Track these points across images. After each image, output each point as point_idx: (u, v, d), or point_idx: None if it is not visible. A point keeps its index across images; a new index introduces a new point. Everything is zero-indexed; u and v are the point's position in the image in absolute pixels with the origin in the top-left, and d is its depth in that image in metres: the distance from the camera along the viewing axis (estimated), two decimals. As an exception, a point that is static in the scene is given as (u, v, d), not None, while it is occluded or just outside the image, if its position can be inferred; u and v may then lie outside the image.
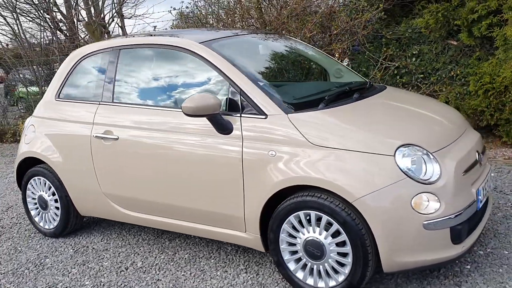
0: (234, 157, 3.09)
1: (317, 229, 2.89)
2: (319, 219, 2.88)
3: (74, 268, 3.70)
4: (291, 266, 3.03)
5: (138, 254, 3.83)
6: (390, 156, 2.74)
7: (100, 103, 3.82)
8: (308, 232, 2.92)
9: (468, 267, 3.21)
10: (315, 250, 2.91)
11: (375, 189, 2.69)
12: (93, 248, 4.02)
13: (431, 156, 2.80)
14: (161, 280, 3.38)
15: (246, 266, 3.46)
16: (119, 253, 3.87)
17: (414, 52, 6.41)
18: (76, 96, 4.07)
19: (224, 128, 3.11)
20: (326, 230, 2.87)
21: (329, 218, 2.81)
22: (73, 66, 4.12)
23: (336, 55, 6.63)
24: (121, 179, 3.68)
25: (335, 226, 2.81)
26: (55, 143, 4.06)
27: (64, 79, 4.15)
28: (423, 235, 2.69)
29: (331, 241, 2.85)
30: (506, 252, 3.35)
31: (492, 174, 3.27)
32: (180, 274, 3.43)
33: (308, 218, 2.91)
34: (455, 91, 6.10)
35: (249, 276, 3.31)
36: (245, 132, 3.08)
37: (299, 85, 3.62)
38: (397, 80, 6.51)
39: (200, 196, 3.30)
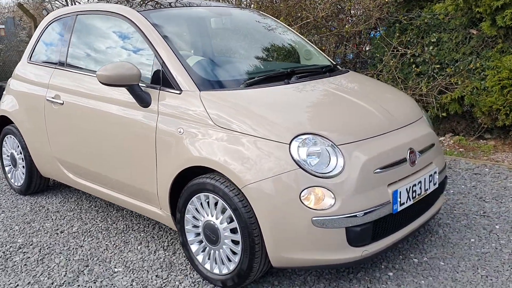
0: (149, 132, 3.01)
1: (215, 213, 2.76)
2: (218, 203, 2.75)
3: (18, 225, 3.82)
4: (194, 248, 2.93)
5: (81, 219, 3.88)
6: (285, 145, 2.54)
7: (56, 67, 3.86)
8: (207, 215, 2.80)
9: (391, 274, 2.95)
10: (211, 235, 2.79)
11: (264, 177, 2.51)
12: (48, 209, 4.12)
13: (336, 149, 2.56)
14: (83, 247, 3.40)
15: (169, 243, 3.40)
16: (65, 217, 3.94)
17: (433, 40, 5.92)
18: (41, 59, 4.14)
19: (142, 101, 3.03)
20: (223, 214, 2.73)
21: (224, 203, 2.67)
22: (42, 30, 4.19)
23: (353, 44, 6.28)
24: (65, 144, 3.73)
25: (228, 211, 2.67)
26: (20, 104, 4.17)
27: (35, 42, 4.23)
28: (313, 232, 2.48)
29: (225, 227, 2.72)
30: (442, 264, 3.03)
31: (437, 176, 2.95)
32: (103, 243, 3.44)
33: (208, 200, 2.78)
34: (472, 85, 5.59)
35: (165, 254, 3.25)
36: (161, 106, 2.98)
37: (237, 64, 3.44)
38: (412, 69, 6.06)
39: (122, 168, 3.26)
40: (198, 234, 2.90)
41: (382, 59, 6.18)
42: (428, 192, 2.94)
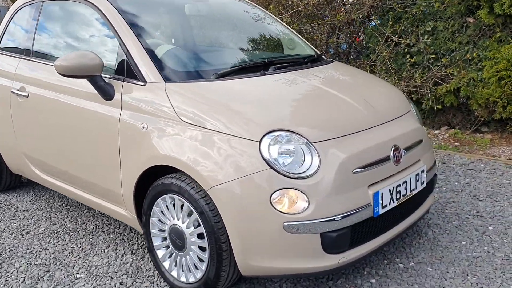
0: (112, 127, 2.78)
1: (181, 217, 2.53)
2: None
3: (-17, 225, 3.60)
4: (160, 253, 2.71)
5: (50, 218, 3.66)
6: (255, 142, 2.31)
7: (22, 57, 3.62)
8: (173, 219, 2.57)
9: (373, 281, 2.72)
10: (177, 240, 2.57)
11: (231, 178, 2.28)
12: (17, 208, 3.90)
13: (311, 147, 2.33)
14: (47, 249, 3.19)
15: (139, 246, 3.18)
16: (34, 216, 3.72)
17: (428, 29, 5.66)
18: (8, 47, 3.90)
19: (105, 93, 2.80)
20: (190, 218, 2.50)
21: (190, 206, 2.44)
22: (11, 16, 3.93)
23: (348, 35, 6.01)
24: (31, 140, 3.50)
25: (195, 215, 2.44)
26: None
27: (3, 29, 3.98)
28: (285, 238, 2.25)
29: (192, 232, 2.49)
30: (429, 269, 2.81)
31: (425, 175, 2.72)
32: (69, 246, 3.22)
33: (173, 203, 2.56)
34: (468, 76, 5.33)
35: (133, 258, 3.03)
36: (124, 99, 2.75)
37: (211, 53, 3.19)
38: (406, 59, 5.81)
39: (87, 165, 3.03)
40: (165, 239, 2.68)
41: (376, 49, 5.92)
42: (414, 192, 2.71)
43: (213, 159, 2.33)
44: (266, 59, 3.06)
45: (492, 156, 4.82)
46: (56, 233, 3.42)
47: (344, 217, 2.30)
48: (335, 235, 2.29)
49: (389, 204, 2.52)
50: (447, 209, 3.58)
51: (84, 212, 3.74)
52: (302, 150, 2.32)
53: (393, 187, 2.54)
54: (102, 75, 2.79)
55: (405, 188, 2.63)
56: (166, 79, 2.64)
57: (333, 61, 3.46)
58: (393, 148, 2.58)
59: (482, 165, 4.52)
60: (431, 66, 5.66)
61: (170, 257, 2.67)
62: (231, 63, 2.97)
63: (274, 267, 2.32)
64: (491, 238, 3.14)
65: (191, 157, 2.38)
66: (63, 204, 3.92)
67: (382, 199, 2.46)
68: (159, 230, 2.68)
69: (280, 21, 3.85)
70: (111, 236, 3.33)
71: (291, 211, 2.24)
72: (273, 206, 2.23)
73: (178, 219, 2.54)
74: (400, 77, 5.82)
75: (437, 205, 3.66)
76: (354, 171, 2.37)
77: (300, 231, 2.24)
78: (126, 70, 2.77)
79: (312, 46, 3.74)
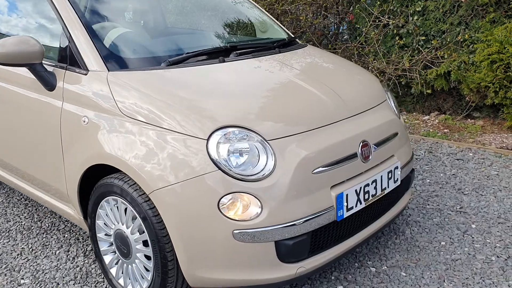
0: (54, 120, 2.52)
1: (125, 221, 2.29)
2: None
3: None
4: (107, 259, 2.48)
5: (5, 215, 3.42)
6: (203, 141, 2.05)
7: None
8: (118, 223, 2.34)
9: (341, 287, 2.49)
10: (122, 246, 2.34)
11: (175, 181, 2.03)
12: (-27, 203, 3.67)
13: (266, 145, 2.07)
14: (-5, 251, 2.96)
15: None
16: (-12, 212, 3.49)
17: (418, 9, 5.35)
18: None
19: (46, 83, 2.53)
20: (134, 223, 2.26)
21: (133, 210, 2.20)
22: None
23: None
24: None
25: (139, 220, 2.20)
26: None
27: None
28: (235, 247, 2.02)
29: (137, 238, 2.26)
30: (403, 274, 2.58)
31: (399, 172, 2.47)
32: (19, 247, 2.99)
33: (117, 205, 2.32)
34: (459, 59, 5.05)
35: (84, 261, 2.80)
36: (66, 90, 2.49)
37: (167, 38, 2.91)
38: (395, 41, 5.51)
39: (33, 160, 2.79)
40: (112, 244, 2.44)
41: (363, 31, 5.62)
42: (386, 191, 2.47)
43: (156, 159, 2.08)
44: (228, 44, 2.77)
45: (482, 145, 4.57)
46: (8, 231, 3.19)
47: (302, 223, 2.07)
48: (292, 243, 2.06)
49: (356, 206, 2.28)
50: (428, 204, 3.34)
51: (42, 208, 3.51)
52: (257, 149, 2.07)
53: (361, 187, 2.29)
54: (44, 62, 2.52)
55: (375, 188, 2.38)
56: (110, 68, 2.38)
57: (307, 45, 3.19)
58: (361, 144, 2.33)
59: (470, 154, 4.27)
60: (421, 49, 5.36)
61: (117, 263, 2.44)
62: (188, 48, 2.69)
63: (225, 279, 2.09)
64: (473, 238, 2.90)
65: (131, 156, 2.13)
66: (22, 199, 3.68)
67: (347, 201, 2.22)
68: (105, 234, 2.45)
69: (254, 3, 3.55)
70: (66, 236, 3.10)
71: (241, 217, 2.00)
72: (221, 212, 1.99)
73: (123, 224, 2.30)
74: (389, 60, 5.53)
75: (418, 199, 3.42)
76: (314, 171, 2.12)
77: (252, 239, 2.00)
78: (69, 57, 2.51)
79: (285, 29, 3.45)
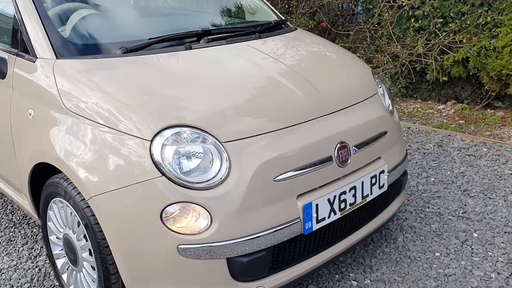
0: (5, 110, 2.32)
1: (71, 226, 2.08)
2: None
3: None
4: (59, 263, 2.29)
5: (-22, 206, 3.27)
6: (146, 142, 1.80)
7: None
8: (65, 227, 2.12)
9: (315, 303, 2.24)
10: (69, 253, 2.13)
11: (115, 187, 1.79)
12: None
13: (221, 147, 1.81)
14: (-43, 246, 2.80)
15: (59, 245, 2.76)
16: (-38, 202, 3.34)
17: (436, -12, 4.92)
18: None
19: (-4, 69, 2.31)
20: (79, 229, 2.05)
21: (76, 215, 1.98)
22: None
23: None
24: None
25: (82, 226, 1.98)
26: None
27: None
28: (180, 263, 1.78)
29: (83, 245, 2.04)
30: (386, 290, 2.30)
31: (385, 177, 2.18)
32: (-18, 243, 2.83)
33: (63, 208, 2.10)
34: (480, 44, 4.63)
35: (45, 261, 2.62)
36: (16, 78, 2.27)
37: (135, 20, 2.63)
38: (411, 24, 5.11)
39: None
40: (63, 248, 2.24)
41: (375, 12, 5.23)
42: (369, 199, 2.18)
43: (96, 161, 1.84)
44: (201, 28, 2.49)
45: (499, 139, 4.18)
46: (-24, 225, 3.04)
47: (259, 237, 1.81)
48: (246, 261, 1.80)
49: (329, 217, 2.00)
50: (428, 207, 3.03)
51: (18, 199, 3.34)
52: (210, 153, 1.81)
53: (335, 196, 2.01)
54: (-4, 47, 2.31)
55: (354, 196, 2.10)
56: (59, 55, 2.13)
57: (296, 29, 2.88)
58: (338, 146, 2.04)
59: (484, 149, 3.90)
60: (438, 32, 4.95)
61: (68, 269, 2.24)
62: (157, 33, 2.42)
63: (171, 296, 1.86)
64: (472, 249, 2.59)
65: (72, 157, 1.90)
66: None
67: (317, 212, 1.94)
68: (56, 238, 2.24)
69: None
70: (34, 230, 2.93)
71: (188, 231, 1.76)
72: (164, 224, 1.75)
73: (69, 229, 2.09)
74: (404, 44, 5.14)
75: (418, 200, 3.11)
76: (277, 178, 1.85)
77: (200, 256, 1.76)
78: (20, 42, 2.28)
79: (276, 11, 3.14)
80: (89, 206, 1.88)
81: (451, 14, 4.89)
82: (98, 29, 2.39)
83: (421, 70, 5.17)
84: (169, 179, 1.75)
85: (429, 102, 5.28)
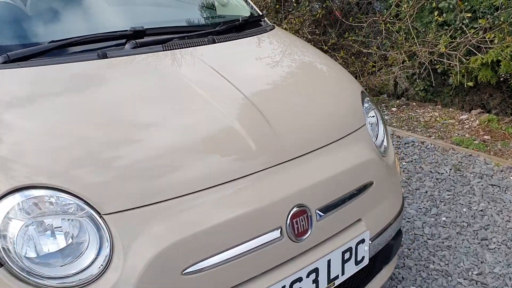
0: None
1: None
2: None
3: None
4: None
5: None
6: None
7: None
8: None
9: None
10: None
11: None
12: None
13: (100, 222, 1.19)
14: None
15: None
16: None
17: (466, -23, 4.16)
18: None
19: None
20: None
21: None
22: None
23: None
24: None
25: None
26: None
27: None
28: None
29: None
30: None
31: (366, 248, 1.55)
32: None
33: None
34: (514, 45, 3.88)
35: None
36: None
37: (54, 15, 1.99)
38: (434, 17, 4.36)
39: None
40: None
41: (393, 1, 4.50)
42: (338, 282, 1.54)
43: None
44: (130, 27, 1.84)
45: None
46: None
47: None
48: None
49: (274, 316, 1.37)
50: (433, 262, 2.37)
51: None
52: (85, 230, 1.19)
53: (284, 286, 1.37)
54: None
55: (315, 281, 1.46)
56: None
57: (273, 28, 2.22)
58: (292, 212, 1.40)
59: (512, 177, 3.20)
60: (465, 29, 4.20)
61: None
62: (62, 32, 1.78)
63: None
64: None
65: None
66: None
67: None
68: None
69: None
70: None
71: None
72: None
73: None
74: (424, 41, 4.41)
75: (422, 251, 2.46)
76: (186, 270, 1.23)
77: None
78: None
79: (252, 5, 2.47)
80: None
81: (482, 9, 4.12)
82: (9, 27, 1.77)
83: (443, 72, 4.45)
84: (11, 270, 1.14)
85: (450, 109, 4.55)
